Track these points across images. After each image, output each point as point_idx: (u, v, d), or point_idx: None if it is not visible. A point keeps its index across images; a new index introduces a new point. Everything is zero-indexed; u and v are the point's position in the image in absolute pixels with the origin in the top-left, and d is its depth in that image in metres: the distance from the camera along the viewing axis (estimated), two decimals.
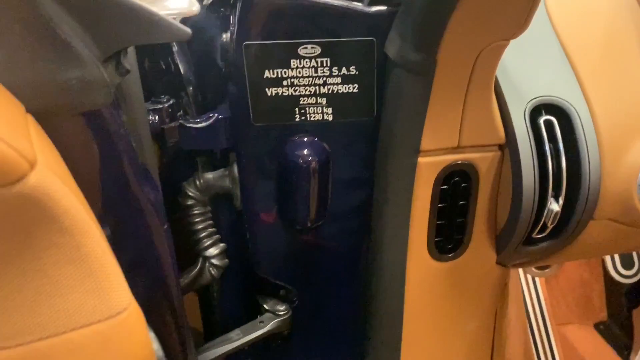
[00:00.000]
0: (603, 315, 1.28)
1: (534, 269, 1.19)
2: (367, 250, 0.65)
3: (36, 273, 0.27)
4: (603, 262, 1.24)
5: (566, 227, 0.58)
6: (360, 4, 0.54)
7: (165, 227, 0.45)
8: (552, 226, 0.57)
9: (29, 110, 0.32)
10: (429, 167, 0.55)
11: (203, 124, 0.57)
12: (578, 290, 1.29)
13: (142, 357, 0.30)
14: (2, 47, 0.30)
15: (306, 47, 0.53)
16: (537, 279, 1.28)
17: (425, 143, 0.53)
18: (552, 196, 0.55)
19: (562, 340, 1.26)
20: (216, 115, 0.58)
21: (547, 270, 1.20)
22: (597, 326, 1.28)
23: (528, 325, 1.24)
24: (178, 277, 0.50)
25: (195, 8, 0.42)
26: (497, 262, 0.63)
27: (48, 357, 0.28)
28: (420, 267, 0.59)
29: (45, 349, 0.28)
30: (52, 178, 0.26)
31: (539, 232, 0.58)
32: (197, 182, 0.62)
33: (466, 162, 0.56)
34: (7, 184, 0.24)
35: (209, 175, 0.62)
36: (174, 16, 0.37)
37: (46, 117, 0.33)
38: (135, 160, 0.40)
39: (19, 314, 0.27)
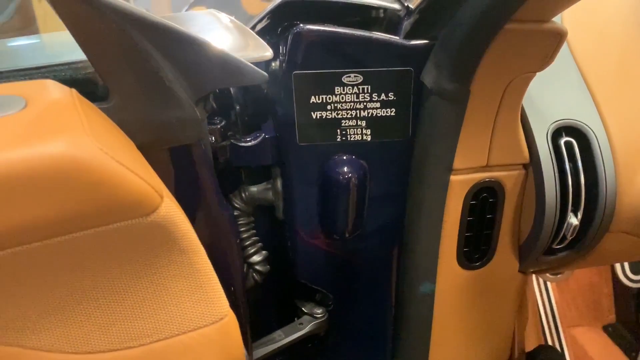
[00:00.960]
0: (611, 317, 1.32)
1: (548, 275, 1.24)
2: (398, 259, 0.70)
3: (157, 286, 0.32)
4: (612, 267, 1.28)
5: (584, 239, 0.63)
6: (397, 37, 0.59)
7: (238, 241, 0.50)
8: (571, 238, 0.62)
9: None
10: (460, 185, 0.60)
11: (252, 143, 0.63)
12: (587, 294, 1.32)
13: (237, 356, 0.35)
14: (118, 92, 0.36)
15: (350, 76, 0.59)
16: (548, 284, 1.32)
17: (458, 162, 0.59)
18: (572, 211, 0.61)
19: (571, 341, 1.30)
20: (263, 134, 0.63)
21: (559, 275, 1.24)
22: (605, 328, 1.32)
23: (540, 327, 1.29)
24: (245, 284, 0.55)
25: (269, 53, 0.47)
26: (519, 270, 0.68)
27: (163, 356, 0.33)
28: (449, 275, 0.65)
29: (160, 349, 0.33)
30: (175, 207, 0.31)
31: (558, 244, 0.63)
32: (243, 195, 0.67)
33: (494, 180, 0.61)
34: (143, 215, 0.30)
35: (253, 189, 0.67)
36: (251, 60, 0.43)
37: (144, 150, 0.38)
38: (216, 183, 0.45)
39: (142, 319, 0.33)
